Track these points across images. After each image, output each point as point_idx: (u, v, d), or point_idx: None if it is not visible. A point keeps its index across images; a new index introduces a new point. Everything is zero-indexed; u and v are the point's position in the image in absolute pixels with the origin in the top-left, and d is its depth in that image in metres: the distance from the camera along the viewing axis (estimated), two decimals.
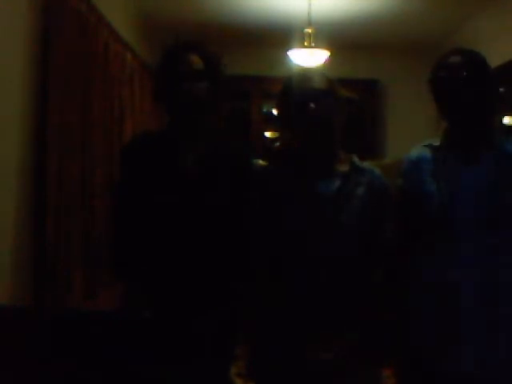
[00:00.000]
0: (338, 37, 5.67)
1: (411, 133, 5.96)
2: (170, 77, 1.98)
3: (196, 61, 2.00)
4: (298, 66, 5.21)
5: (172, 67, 1.99)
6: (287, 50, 5.21)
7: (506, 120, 4.71)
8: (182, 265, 1.95)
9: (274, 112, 6.90)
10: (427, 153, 2.06)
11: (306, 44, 5.09)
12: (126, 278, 2.07)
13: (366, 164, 2.06)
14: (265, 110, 6.92)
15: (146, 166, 2.01)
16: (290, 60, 5.22)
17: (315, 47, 5.09)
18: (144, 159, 2.02)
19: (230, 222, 1.97)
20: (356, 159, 2.04)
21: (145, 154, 2.03)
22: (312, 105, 1.93)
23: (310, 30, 5.04)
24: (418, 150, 2.11)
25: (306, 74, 2.08)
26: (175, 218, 1.95)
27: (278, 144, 6.91)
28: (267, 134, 7.07)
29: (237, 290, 2.01)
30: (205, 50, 2.04)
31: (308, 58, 5.09)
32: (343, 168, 2.01)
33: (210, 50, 2.06)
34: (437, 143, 2.06)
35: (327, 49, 5.11)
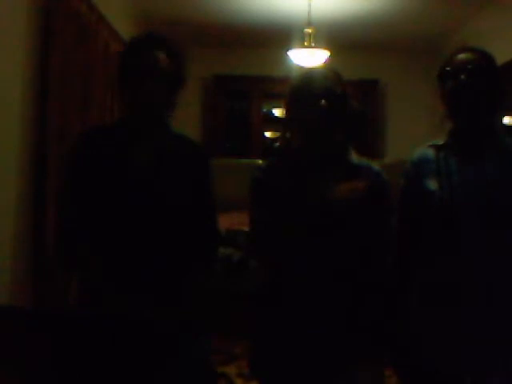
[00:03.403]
0: (338, 37, 5.67)
1: (411, 133, 5.99)
2: (133, 73, 1.96)
3: (162, 59, 1.98)
4: (298, 65, 5.22)
5: (136, 62, 1.95)
6: (287, 50, 5.21)
7: (506, 120, 4.72)
8: (136, 264, 1.93)
9: (275, 112, 6.92)
10: (430, 153, 2.06)
11: (306, 44, 5.09)
12: (79, 278, 2.06)
13: (365, 161, 2.06)
14: (265, 110, 6.93)
15: (96, 164, 1.97)
16: (290, 60, 5.22)
17: (315, 47, 5.09)
18: (94, 156, 1.98)
19: (184, 220, 1.97)
20: (354, 156, 2.04)
21: (95, 151, 1.99)
22: (323, 102, 1.93)
23: (310, 30, 5.04)
24: (420, 151, 2.11)
25: (314, 74, 2.07)
26: (128, 217, 1.94)
27: (277, 144, 6.92)
28: (267, 134, 7.07)
29: (195, 288, 2.01)
30: (172, 48, 2.02)
31: (308, 57, 5.09)
32: (342, 164, 2.01)
33: (177, 49, 2.04)
34: (440, 143, 2.06)
35: (327, 49, 5.12)
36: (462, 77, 1.94)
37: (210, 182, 2.10)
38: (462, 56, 2.00)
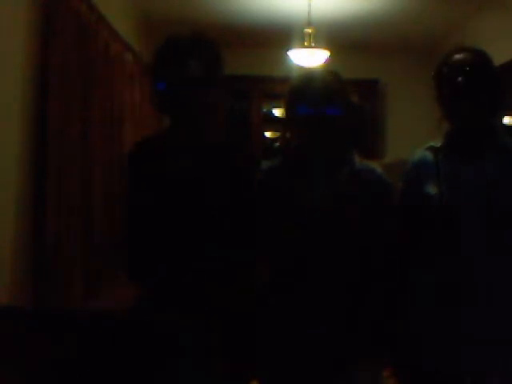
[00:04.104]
0: (338, 37, 5.67)
1: (411, 133, 5.98)
2: (172, 87, 1.96)
3: (196, 66, 1.98)
4: (298, 66, 5.22)
5: (172, 75, 1.96)
6: (287, 50, 5.21)
7: (506, 120, 4.71)
8: (188, 266, 1.95)
9: (275, 112, 6.91)
10: (428, 155, 2.06)
11: (306, 44, 5.09)
12: (141, 278, 2.06)
13: (367, 163, 2.06)
14: (265, 110, 6.92)
15: (150, 171, 2.01)
16: (290, 60, 5.22)
17: (315, 47, 5.09)
18: (148, 164, 2.02)
19: (232, 222, 1.97)
20: (357, 159, 2.04)
21: (149, 159, 2.03)
22: (317, 104, 1.93)
23: (310, 30, 5.04)
24: (419, 153, 2.11)
25: (314, 74, 2.07)
26: (180, 220, 1.95)
27: (277, 144, 6.92)
28: (267, 134, 7.07)
29: (245, 292, 2.01)
30: (205, 52, 2.02)
31: (308, 57, 5.09)
32: (344, 168, 2.01)
33: (209, 52, 2.04)
34: (438, 145, 2.06)
35: (327, 49, 5.11)
36: (459, 79, 1.94)
37: (252, 182, 2.08)
38: (458, 57, 1.99)
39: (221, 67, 2.05)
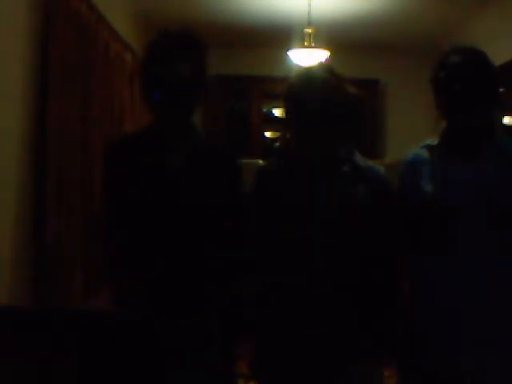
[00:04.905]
0: (338, 37, 5.67)
1: (411, 133, 5.97)
2: (158, 87, 1.96)
3: (184, 70, 1.97)
4: (298, 65, 5.22)
5: (163, 77, 1.95)
6: (287, 50, 5.21)
7: (506, 120, 4.72)
8: (174, 265, 1.94)
9: (275, 112, 6.92)
10: (424, 154, 2.06)
11: (306, 44, 5.09)
12: (118, 278, 2.06)
13: (368, 162, 2.06)
14: (265, 110, 6.93)
15: (132, 167, 1.99)
16: (290, 60, 5.22)
17: (315, 47, 5.10)
18: (130, 160, 2.00)
19: (219, 221, 1.97)
20: (358, 157, 2.04)
21: (130, 155, 2.01)
22: (317, 103, 1.93)
23: (310, 30, 5.05)
24: (414, 152, 2.10)
25: (312, 72, 2.07)
26: (164, 219, 1.95)
27: (277, 144, 6.92)
28: (267, 134, 7.07)
29: (234, 289, 2.01)
30: (194, 53, 2.01)
31: (308, 57, 5.10)
32: (345, 166, 2.00)
33: (198, 52, 2.03)
34: (434, 143, 2.06)
35: (327, 49, 5.12)
36: (457, 86, 1.93)
37: (240, 182, 2.10)
38: (454, 60, 1.98)
39: (207, 67, 2.04)
